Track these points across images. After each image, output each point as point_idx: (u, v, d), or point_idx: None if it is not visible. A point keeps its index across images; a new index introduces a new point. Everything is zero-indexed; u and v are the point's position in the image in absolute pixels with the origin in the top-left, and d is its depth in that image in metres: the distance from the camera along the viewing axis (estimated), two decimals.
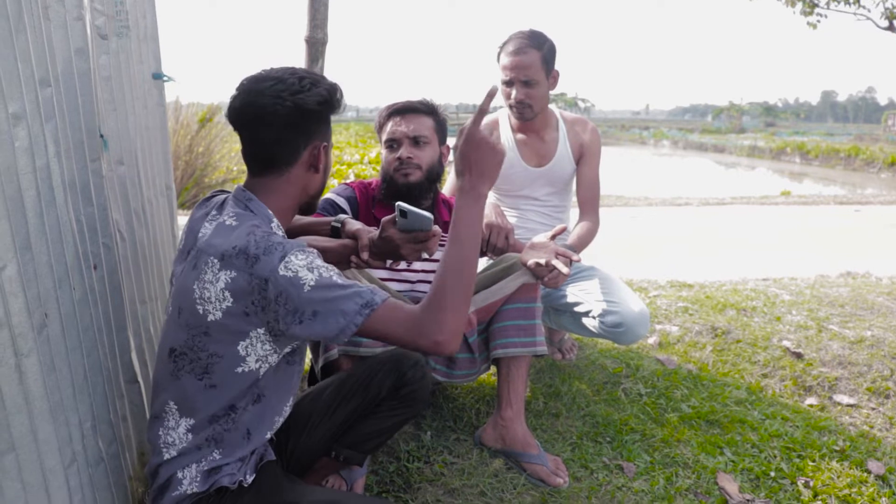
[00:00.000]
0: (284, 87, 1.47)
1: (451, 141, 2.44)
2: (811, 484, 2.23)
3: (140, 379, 1.89)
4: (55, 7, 1.47)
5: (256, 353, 1.46)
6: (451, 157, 2.53)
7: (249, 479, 1.53)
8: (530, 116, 2.72)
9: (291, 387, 1.60)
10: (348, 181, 2.40)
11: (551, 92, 2.75)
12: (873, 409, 2.81)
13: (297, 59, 2.57)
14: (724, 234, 7.29)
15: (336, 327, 1.37)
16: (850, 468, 2.32)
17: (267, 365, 1.48)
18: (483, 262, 2.70)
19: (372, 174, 10.89)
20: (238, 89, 1.52)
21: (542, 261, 2.18)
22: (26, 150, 1.29)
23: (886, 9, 17.47)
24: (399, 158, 2.24)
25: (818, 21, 18.50)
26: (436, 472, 2.21)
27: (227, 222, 1.48)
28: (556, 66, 2.70)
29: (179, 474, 1.49)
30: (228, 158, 9.88)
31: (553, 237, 2.29)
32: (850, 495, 2.18)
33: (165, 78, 2.18)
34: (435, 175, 2.31)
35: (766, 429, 2.55)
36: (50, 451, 1.36)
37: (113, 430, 1.70)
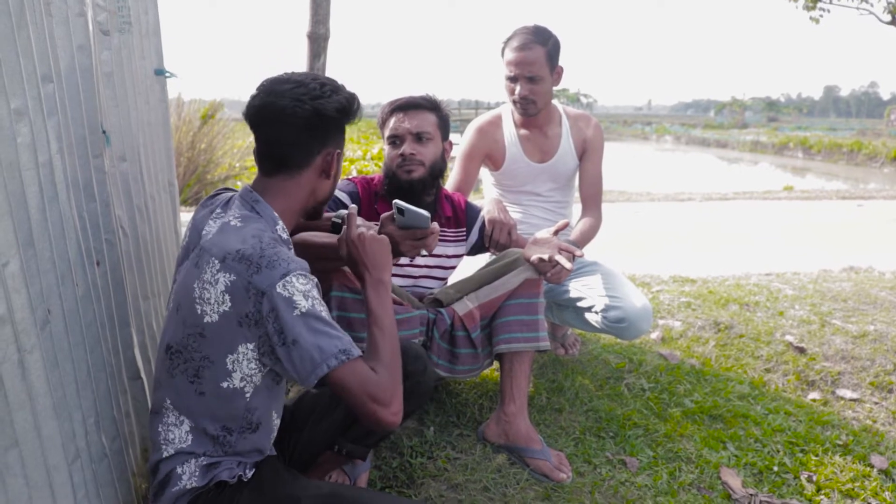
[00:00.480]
0: (305, 90, 1.49)
1: (453, 137, 2.45)
2: (814, 478, 2.23)
3: (143, 375, 1.90)
4: (57, 3, 1.47)
5: (241, 370, 1.45)
6: (453, 153, 2.53)
7: (249, 473, 1.53)
8: (534, 112, 2.72)
9: (279, 404, 1.62)
10: (350, 177, 2.40)
11: (554, 88, 2.75)
12: (876, 403, 2.81)
13: (299, 54, 2.57)
14: (726, 230, 7.28)
15: (310, 364, 1.36)
16: (853, 462, 2.32)
17: (252, 386, 1.48)
18: (486, 258, 2.70)
19: (374, 170, 10.89)
20: (259, 89, 1.53)
21: (546, 256, 2.18)
22: (28, 146, 1.29)
23: (889, 3, 17.41)
24: (402, 155, 2.24)
25: (821, 16, 18.45)
26: (439, 468, 2.21)
27: (232, 223, 1.48)
28: (560, 62, 2.70)
29: (179, 469, 1.49)
30: (231, 155, 9.88)
31: (556, 232, 2.29)
32: (852, 489, 2.18)
33: (168, 74, 2.18)
34: (438, 171, 2.31)
35: (769, 423, 2.55)
36: (53, 448, 1.36)
37: (116, 427, 1.70)
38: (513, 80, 2.68)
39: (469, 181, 2.86)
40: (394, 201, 1.77)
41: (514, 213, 2.88)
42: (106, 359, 1.65)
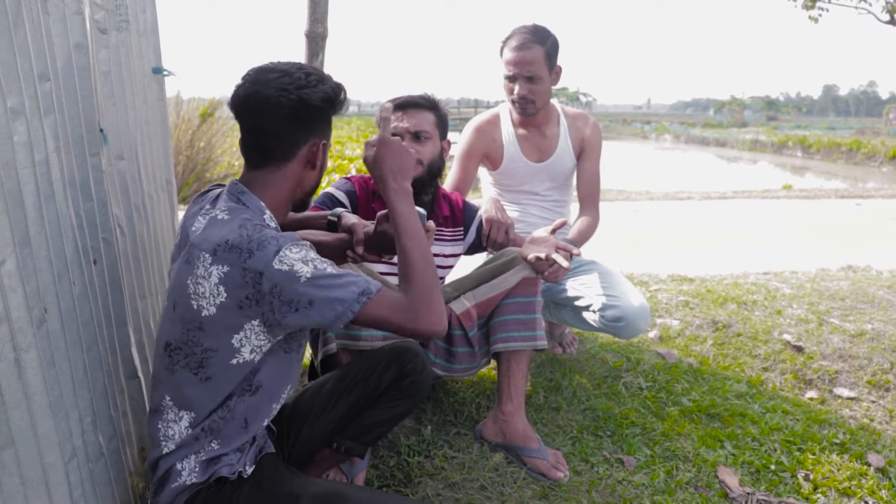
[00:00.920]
0: (290, 80, 1.48)
1: (452, 136, 2.45)
2: (811, 477, 2.23)
3: (140, 374, 1.90)
4: (54, 1, 1.47)
5: (251, 343, 1.46)
6: (451, 152, 2.53)
7: (249, 470, 1.54)
8: (532, 112, 2.72)
9: (290, 376, 1.61)
10: (349, 175, 2.40)
11: (553, 87, 2.74)
12: (873, 402, 2.81)
13: (297, 53, 2.57)
14: (725, 228, 7.28)
15: (332, 314, 1.40)
16: (851, 461, 2.33)
17: (262, 354, 1.49)
18: (483, 257, 2.70)
19: None
20: (244, 79, 1.53)
21: (543, 255, 2.18)
22: (25, 144, 1.29)
23: (888, 2, 17.42)
24: None
25: (819, 15, 18.47)
26: (436, 467, 2.21)
27: (220, 216, 1.48)
28: (559, 61, 2.70)
29: (178, 466, 1.49)
30: (230, 153, 9.86)
31: (553, 231, 2.29)
32: (850, 488, 2.18)
33: (165, 72, 2.18)
34: (436, 170, 2.31)
35: (766, 422, 2.55)
36: (50, 447, 1.36)
37: (113, 426, 1.70)
38: (511, 79, 2.67)
39: (467, 180, 2.86)
40: None
41: (512, 213, 2.88)
42: (103, 357, 1.65)
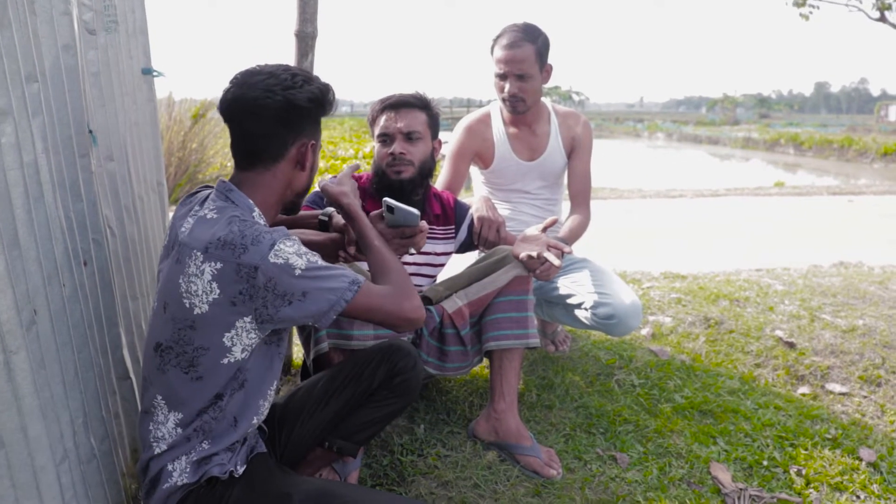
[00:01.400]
0: (276, 81, 1.50)
1: (444, 135, 2.45)
2: (803, 472, 2.24)
3: (132, 375, 1.89)
4: (41, 2, 1.47)
5: (242, 342, 1.47)
6: (442, 151, 2.53)
7: (240, 469, 1.54)
8: (523, 110, 2.72)
9: (273, 369, 1.61)
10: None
11: (545, 85, 2.75)
12: (865, 397, 2.82)
13: (287, 53, 2.58)
14: (717, 226, 7.30)
15: (326, 304, 1.44)
16: (842, 456, 2.33)
17: (250, 350, 1.50)
18: (475, 256, 2.71)
19: (366, 169, 10.87)
20: (231, 82, 1.54)
21: (534, 253, 2.18)
22: (13, 145, 1.29)
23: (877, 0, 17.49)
24: (392, 154, 2.24)
25: (810, 12, 18.53)
26: (429, 465, 2.21)
27: (208, 216, 1.49)
28: (550, 60, 2.70)
29: (170, 467, 1.49)
30: (222, 155, 9.84)
31: (544, 229, 2.30)
32: (841, 483, 2.19)
33: (155, 73, 2.17)
34: (427, 170, 2.31)
35: (758, 418, 2.56)
36: (40, 449, 1.36)
37: (105, 427, 1.70)
38: (502, 77, 2.68)
39: (459, 180, 2.86)
40: (384, 199, 1.77)
41: (504, 211, 2.89)
42: (94, 359, 1.65)
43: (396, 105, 2.28)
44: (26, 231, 1.33)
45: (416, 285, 2.42)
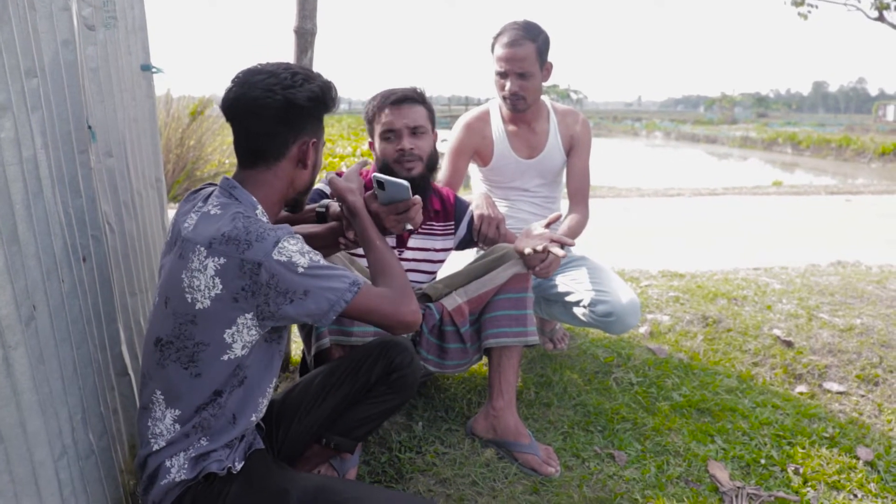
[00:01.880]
0: (276, 80, 1.51)
1: (443, 133, 2.45)
2: (801, 471, 2.24)
3: (130, 371, 1.89)
4: None
5: (242, 339, 1.48)
6: (442, 149, 2.53)
7: (238, 465, 1.54)
8: (523, 108, 2.72)
9: (274, 367, 1.61)
10: (338, 171, 2.39)
11: (543, 84, 2.75)
12: (862, 396, 2.83)
13: (286, 50, 2.57)
14: (715, 225, 7.30)
15: (327, 304, 1.45)
16: (840, 454, 2.34)
17: (250, 348, 1.51)
18: (474, 253, 2.71)
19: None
20: (233, 81, 1.55)
21: (539, 247, 2.17)
22: (12, 141, 1.28)
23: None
24: (401, 149, 2.23)
25: (809, 12, 18.54)
26: (427, 462, 2.21)
27: (211, 212, 1.50)
28: (549, 58, 2.70)
29: (168, 463, 1.49)
30: (220, 151, 9.84)
31: (548, 225, 2.30)
32: (839, 481, 2.20)
33: (154, 69, 2.17)
34: (433, 165, 2.32)
35: (756, 416, 2.56)
36: (39, 444, 1.36)
37: (103, 423, 1.69)
38: (503, 75, 2.68)
39: (458, 177, 2.87)
40: (373, 175, 1.77)
41: (502, 209, 2.89)
42: (92, 355, 1.64)
43: (400, 101, 2.27)
44: (25, 226, 1.33)
45: (415, 281, 2.42)
